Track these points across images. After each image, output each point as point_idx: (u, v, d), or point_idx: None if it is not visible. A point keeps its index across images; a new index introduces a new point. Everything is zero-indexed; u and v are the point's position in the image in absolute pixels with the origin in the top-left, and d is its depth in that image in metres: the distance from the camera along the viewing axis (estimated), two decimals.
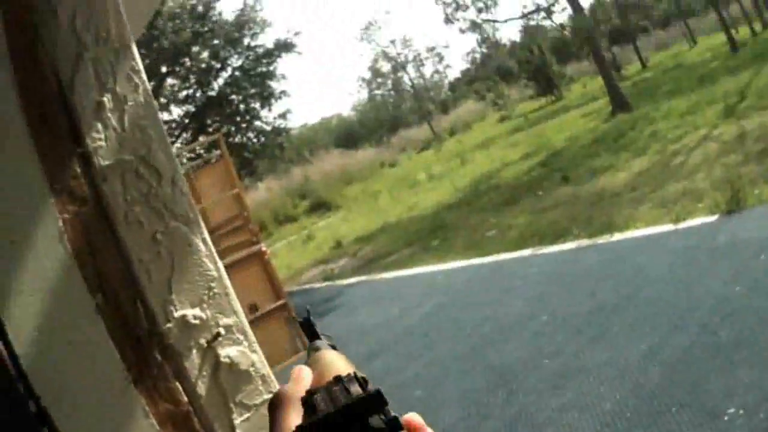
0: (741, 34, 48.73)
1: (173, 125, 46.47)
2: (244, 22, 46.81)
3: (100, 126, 2.18)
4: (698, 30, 69.74)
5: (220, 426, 2.42)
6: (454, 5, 46.53)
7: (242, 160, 45.29)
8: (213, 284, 2.32)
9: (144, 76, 2.28)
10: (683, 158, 18.15)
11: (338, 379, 1.06)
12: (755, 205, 12.33)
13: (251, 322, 9.98)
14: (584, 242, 14.56)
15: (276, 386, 2.46)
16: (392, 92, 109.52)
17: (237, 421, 2.45)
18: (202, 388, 2.29)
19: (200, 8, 44.78)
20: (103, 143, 2.17)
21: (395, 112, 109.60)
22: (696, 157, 17.69)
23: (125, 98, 2.22)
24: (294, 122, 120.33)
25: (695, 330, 8.41)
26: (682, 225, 12.97)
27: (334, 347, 1.43)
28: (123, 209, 2.19)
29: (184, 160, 28.56)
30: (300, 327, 1.54)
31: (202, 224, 2.37)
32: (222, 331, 2.35)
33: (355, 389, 1.02)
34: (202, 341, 2.29)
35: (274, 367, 10.50)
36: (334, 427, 0.94)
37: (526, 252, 15.75)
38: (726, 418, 6.34)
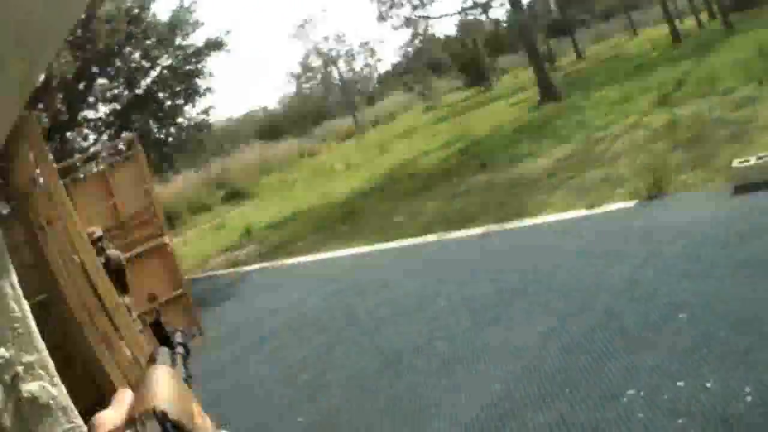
0: (686, 25, 49.11)
1: (99, 123, 46.80)
2: (177, 22, 47.08)
3: None
4: (642, 22, 70.34)
5: None
6: (389, 3, 46.81)
7: (162, 155, 45.71)
8: (17, 325, 2.26)
9: None
10: (608, 146, 18.01)
11: (139, 417, 1.02)
12: (678, 190, 12.13)
13: (149, 312, 10.14)
14: (492, 227, 14.44)
15: (77, 418, 2.45)
16: (321, 86, 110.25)
17: None
18: (6, 421, 2.22)
19: (135, 10, 45.03)
20: None
21: (321, 104, 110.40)
22: (622, 144, 17.57)
23: None
24: (220, 115, 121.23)
25: (599, 314, 8.19)
26: (596, 210, 12.82)
27: (186, 347, 1.42)
28: None
29: (105, 155, 28.60)
30: (151, 328, 1.47)
31: (11, 268, 2.26)
32: (22, 368, 2.26)
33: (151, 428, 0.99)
34: (7, 378, 2.21)
35: None
36: None
37: (431, 237, 15.69)
38: (625, 399, 6.08)
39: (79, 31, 33.26)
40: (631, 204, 12.40)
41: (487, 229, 14.41)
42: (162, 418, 1.00)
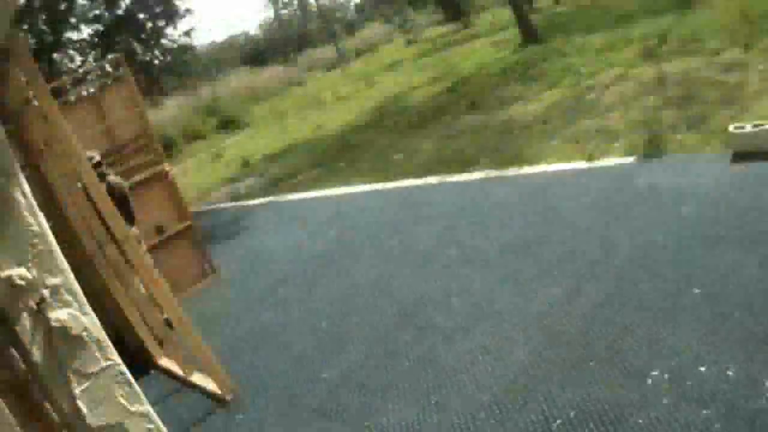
0: None
1: (83, 44, 46.27)
2: None
3: None
4: None
5: (60, 396, 2.26)
6: None
7: (149, 78, 45.26)
8: (36, 240, 2.09)
9: None
10: (597, 95, 17.85)
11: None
12: (675, 152, 12.05)
13: (158, 246, 9.83)
14: (492, 173, 14.36)
15: (113, 354, 2.28)
16: (298, 12, 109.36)
17: (77, 391, 2.31)
18: (37, 355, 2.12)
19: None
20: None
21: (302, 31, 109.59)
22: (611, 95, 17.35)
23: None
24: (202, 40, 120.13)
25: (613, 279, 8.17)
26: (595, 164, 12.73)
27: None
28: None
29: (93, 78, 28.24)
30: None
31: (21, 177, 2.19)
32: (48, 292, 2.02)
33: None
34: (32, 304, 2.10)
35: (183, 294, 10.29)
36: None
37: (432, 179, 15.56)
38: (650, 381, 6.10)
39: None
40: (629, 160, 12.30)
41: (487, 175, 14.33)
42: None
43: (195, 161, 35.59)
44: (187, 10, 48.36)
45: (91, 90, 16.48)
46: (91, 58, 44.91)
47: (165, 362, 10.40)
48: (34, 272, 2.11)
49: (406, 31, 70.48)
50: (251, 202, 21.04)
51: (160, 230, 13.90)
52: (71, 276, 2.20)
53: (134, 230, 11.27)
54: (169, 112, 50.06)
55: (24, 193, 2.15)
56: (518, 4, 35.49)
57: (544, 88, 21.12)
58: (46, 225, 2.22)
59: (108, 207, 8.32)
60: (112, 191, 10.55)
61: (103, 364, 2.30)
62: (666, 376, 6.08)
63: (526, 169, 13.84)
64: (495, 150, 15.97)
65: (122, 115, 14.51)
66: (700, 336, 6.48)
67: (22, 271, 2.08)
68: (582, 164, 12.95)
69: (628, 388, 6.11)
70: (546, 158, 14.10)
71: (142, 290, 9.76)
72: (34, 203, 2.21)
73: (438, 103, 25.24)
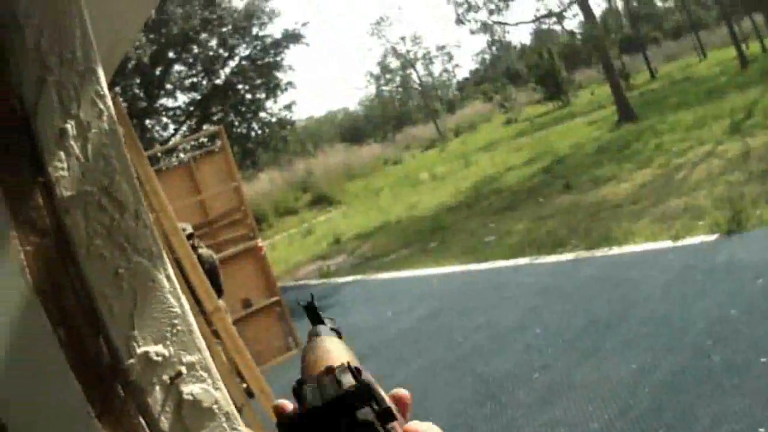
0: (751, 50, 48.77)
1: (178, 112, 46.62)
2: (253, 10, 46.83)
3: (62, 154, 2.12)
4: (709, 43, 69.89)
5: None
6: (465, 5, 46.57)
7: (245, 151, 45.42)
8: (176, 321, 2.26)
9: (109, 101, 2.21)
10: (686, 173, 18.10)
11: (330, 369, 1.04)
12: (756, 226, 12.25)
13: (243, 318, 9.95)
14: (582, 254, 14.48)
15: (240, 425, 2.41)
16: (400, 89, 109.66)
17: None
18: (165, 425, 2.19)
19: None
20: (65, 173, 2.12)
21: (402, 109, 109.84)
22: (699, 173, 17.62)
23: (89, 125, 2.16)
24: (300, 114, 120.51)
25: (688, 352, 8.35)
26: (680, 242, 12.89)
27: (337, 332, 1.43)
28: (85, 242, 2.14)
29: (187, 147, 28.58)
30: (304, 310, 1.52)
31: (167, 260, 2.29)
32: (185, 369, 2.28)
33: (347, 380, 0.99)
34: (165, 378, 2.22)
35: (264, 365, 10.44)
36: (320, 422, 0.92)
37: (522, 260, 15.67)
38: None
39: (153, 13, 32.31)
40: (712, 237, 12.51)
41: (576, 256, 14.51)
42: (355, 371, 1.02)
43: (285, 236, 35.87)
44: (289, 83, 48.49)
45: (185, 160, 16.71)
46: (185, 127, 45.31)
47: (244, 430, 10.63)
48: (172, 350, 2.24)
49: (506, 109, 70.69)
50: (340, 280, 21.22)
51: (247, 303, 14.07)
52: (207, 354, 2.38)
53: (221, 303, 11.44)
54: (262, 185, 50.26)
55: (168, 276, 2.28)
56: (616, 83, 35.73)
57: (636, 167, 21.36)
58: (187, 307, 2.33)
59: (199, 279, 8.40)
60: (202, 263, 10.45)
61: None
62: None
63: (615, 250, 14.01)
64: (585, 231, 16.16)
65: (216, 188, 14.71)
66: (764, 402, 6.69)
67: (160, 348, 2.23)
68: (667, 243, 13.14)
69: None
70: (634, 238, 14.27)
71: (224, 359, 10.00)
72: (177, 286, 2.34)
73: (532, 184, 25.52)
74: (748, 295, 9.37)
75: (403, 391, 1.09)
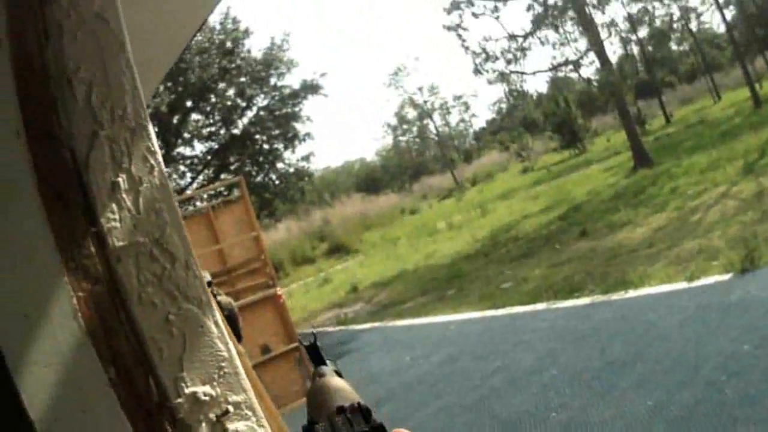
0: (765, 89, 48.84)
1: (195, 161, 46.63)
2: (272, 60, 46.93)
3: (114, 206, 2.25)
4: (724, 85, 69.90)
5: None
6: (483, 56, 46.45)
7: (262, 200, 45.40)
8: (223, 364, 2.37)
9: (159, 157, 2.33)
10: (701, 215, 18.23)
11: (341, 409, 1.06)
12: None
13: (262, 363, 10.04)
14: (598, 298, 14.55)
15: None
16: (417, 139, 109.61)
17: None
18: None
19: (228, 44, 44.96)
20: (117, 224, 2.24)
21: (419, 159, 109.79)
22: (714, 214, 17.77)
23: (140, 179, 2.28)
24: (317, 164, 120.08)
25: (702, 387, 8.46)
26: (695, 283, 12.98)
27: (338, 374, 1.49)
28: (136, 290, 2.24)
29: (205, 196, 28.63)
30: (305, 350, 1.61)
31: (215, 307, 2.41)
32: (231, 408, 2.41)
33: (359, 421, 1.01)
34: (212, 416, 2.35)
35: (282, 409, 10.44)
36: None
37: (540, 306, 15.75)
38: None
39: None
40: (726, 277, 12.59)
41: (593, 300, 14.58)
42: (365, 411, 1.04)
43: (302, 285, 35.85)
44: (307, 134, 48.49)
45: (203, 209, 16.72)
46: (202, 176, 45.35)
47: None
48: (218, 390, 2.26)
49: (523, 158, 70.68)
50: (357, 327, 21.29)
51: (265, 349, 14.16)
52: (252, 394, 2.47)
53: (240, 348, 11.51)
54: (279, 234, 50.20)
55: (216, 322, 2.31)
56: (632, 128, 35.89)
57: (652, 211, 21.50)
58: (234, 351, 2.46)
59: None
60: (222, 310, 10.53)
61: None
62: None
63: (630, 293, 14.07)
64: (601, 276, 16.24)
65: (235, 237, 14.82)
66: None
67: (207, 388, 2.35)
68: (683, 284, 13.26)
69: None
70: (649, 281, 14.35)
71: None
72: (225, 332, 2.46)
73: (549, 231, 25.64)
74: (762, 330, 9.49)
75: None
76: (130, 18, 2.47)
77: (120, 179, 2.27)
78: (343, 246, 45.50)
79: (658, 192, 24.44)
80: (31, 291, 2.12)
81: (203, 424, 2.29)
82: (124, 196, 2.28)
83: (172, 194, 2.39)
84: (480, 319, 16.67)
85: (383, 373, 14.66)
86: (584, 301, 14.84)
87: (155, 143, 2.41)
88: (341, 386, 1.34)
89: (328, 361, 1.55)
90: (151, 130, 2.40)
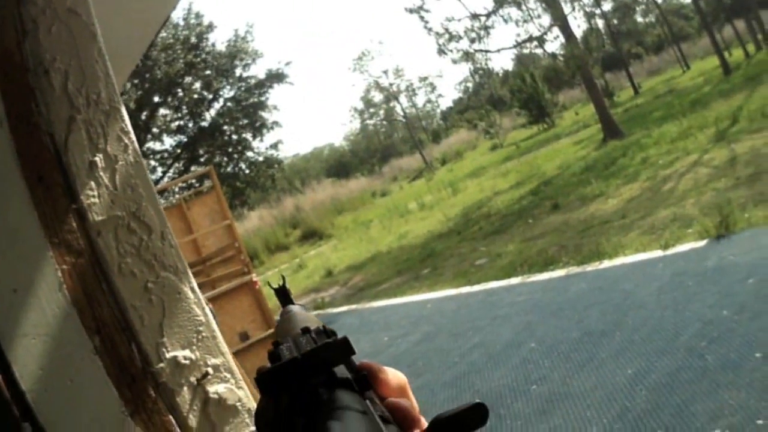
0: (735, 56, 49.16)
1: (165, 155, 46.72)
2: (236, 52, 47.04)
3: (93, 184, 2.34)
4: (692, 54, 70.35)
5: None
6: (446, 36, 46.39)
7: (234, 190, 45.47)
8: (201, 328, 2.47)
9: (133, 137, 2.45)
10: (673, 184, 18.26)
11: (306, 330, 1.04)
12: (745, 229, 12.41)
13: (242, 351, 10.00)
14: (573, 270, 14.58)
15: None
16: (384, 122, 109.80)
17: None
18: (193, 421, 2.42)
19: (193, 39, 44.99)
20: (96, 200, 2.32)
21: (387, 141, 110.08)
22: (686, 182, 17.81)
23: (116, 158, 2.39)
24: (286, 152, 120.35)
25: (682, 354, 8.48)
26: (670, 251, 13.03)
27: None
28: (117, 261, 2.37)
29: (176, 190, 28.58)
30: (275, 293, 1.54)
31: (190, 274, 2.54)
32: (210, 370, 2.45)
33: (322, 339, 0.98)
34: (192, 379, 2.41)
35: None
36: (297, 374, 0.88)
37: (514, 280, 15.78)
38: None
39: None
40: (701, 244, 12.66)
41: (568, 272, 14.61)
42: (330, 332, 1.02)
43: (277, 272, 35.78)
44: (275, 123, 48.62)
45: (175, 201, 16.74)
46: (172, 170, 45.44)
47: None
48: (198, 354, 2.44)
49: (492, 135, 70.88)
50: (334, 310, 21.28)
51: (244, 337, 14.13)
52: (230, 357, 2.52)
53: None
54: (252, 223, 50.40)
55: (192, 288, 2.50)
56: (599, 101, 35.96)
57: (623, 182, 21.59)
58: (210, 316, 2.54)
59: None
60: None
61: (252, 428, 2.53)
62: None
63: (605, 264, 14.12)
64: (576, 248, 16.28)
65: (209, 227, 14.81)
66: (759, 394, 6.82)
67: (187, 352, 2.41)
68: (658, 253, 13.29)
69: None
70: (624, 251, 14.42)
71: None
72: (201, 297, 2.55)
73: (521, 207, 25.66)
74: (739, 296, 9.52)
75: (369, 362, 1.01)
76: (99, 14, 2.55)
77: (97, 158, 2.34)
78: (316, 231, 45.53)
79: (629, 163, 24.48)
80: (19, 267, 2.21)
81: (185, 388, 2.42)
82: (101, 174, 2.34)
83: (146, 170, 2.44)
84: (456, 296, 16.64)
85: (362, 354, 13.99)
86: (559, 273, 14.85)
87: (129, 124, 2.50)
88: (309, 316, 1.30)
89: (298, 305, 1.46)
90: (124, 112, 2.49)
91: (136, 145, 2.46)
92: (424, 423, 0.91)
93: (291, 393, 0.88)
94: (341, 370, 0.92)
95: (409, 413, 0.91)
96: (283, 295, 1.51)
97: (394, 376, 1.00)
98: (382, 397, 0.95)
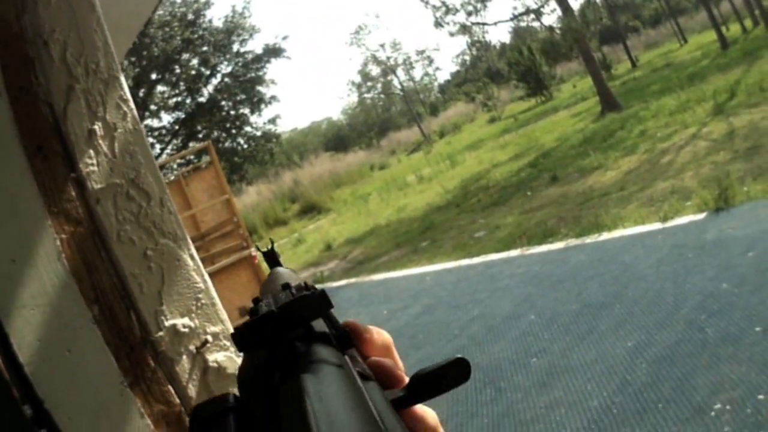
0: (732, 31, 49.16)
1: (163, 132, 46.80)
2: (233, 28, 47.07)
3: (92, 152, 2.33)
4: (689, 28, 70.33)
5: None
6: (443, 9, 46.36)
7: (232, 165, 45.51)
8: (200, 295, 2.46)
9: (132, 104, 2.45)
10: (672, 157, 18.27)
11: (286, 286, 1.00)
12: (744, 202, 12.40)
13: (239, 325, 10.10)
14: (572, 242, 14.57)
15: None
16: (382, 95, 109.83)
17: None
18: (192, 391, 2.41)
19: (190, 15, 44.97)
20: (95, 168, 2.32)
21: (385, 115, 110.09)
22: (685, 155, 17.81)
23: (115, 126, 2.38)
24: (284, 126, 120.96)
25: (682, 327, 8.47)
26: (669, 223, 13.00)
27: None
28: (115, 228, 2.36)
29: (175, 166, 28.53)
30: (263, 256, 1.56)
31: (189, 241, 2.55)
32: (210, 338, 2.44)
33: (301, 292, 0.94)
34: (192, 348, 2.40)
35: None
36: (274, 328, 0.84)
37: (514, 252, 15.76)
38: (712, 413, 6.40)
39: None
40: (700, 216, 12.65)
41: (567, 244, 14.61)
42: (312, 288, 0.98)
43: (276, 246, 35.83)
44: (272, 97, 48.64)
45: (174, 177, 16.56)
46: (171, 147, 45.44)
47: None
48: (197, 321, 2.43)
49: (489, 108, 70.90)
50: (334, 284, 21.15)
51: (243, 312, 14.10)
52: (229, 324, 2.51)
53: None
54: (251, 198, 50.30)
55: (191, 255, 2.50)
56: (597, 74, 35.93)
57: (622, 154, 21.57)
58: (210, 283, 2.50)
59: None
60: None
61: None
62: (728, 407, 6.39)
63: (604, 236, 14.11)
64: (574, 220, 16.29)
65: (207, 202, 14.82)
66: (759, 368, 6.81)
67: (186, 320, 2.39)
68: (657, 225, 13.29)
69: (693, 422, 6.41)
70: (623, 223, 14.42)
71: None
72: (201, 264, 2.55)
73: (519, 179, 25.68)
74: (739, 269, 9.51)
75: (353, 321, 0.97)
76: None
77: (96, 127, 2.33)
78: (314, 205, 45.46)
79: (627, 135, 24.48)
80: (17, 236, 2.19)
81: (184, 356, 2.41)
82: (100, 142, 2.32)
83: (146, 137, 2.43)
84: (455, 269, 16.62)
85: None
86: (558, 245, 14.85)
87: (127, 92, 2.48)
88: (292, 275, 1.29)
89: (288, 268, 1.46)
90: (123, 80, 2.47)
91: (135, 112, 2.46)
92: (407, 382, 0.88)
93: (268, 347, 0.85)
94: (322, 327, 0.89)
95: (391, 372, 0.89)
96: (272, 258, 1.54)
97: (378, 335, 0.98)
98: (365, 356, 0.93)
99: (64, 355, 2.17)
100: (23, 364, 2.08)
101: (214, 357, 2.49)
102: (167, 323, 2.40)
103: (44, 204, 2.23)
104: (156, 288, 2.41)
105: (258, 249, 1.65)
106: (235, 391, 0.85)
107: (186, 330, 2.44)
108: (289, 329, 0.84)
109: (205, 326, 2.49)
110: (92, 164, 2.30)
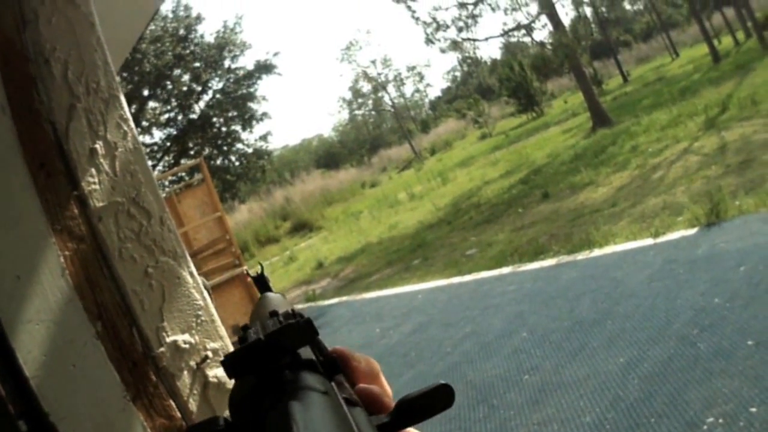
0: (724, 44, 49.35)
1: (155, 148, 46.79)
2: (225, 44, 47.15)
3: (93, 171, 2.40)
4: (681, 42, 70.61)
5: None
6: (434, 25, 46.37)
7: (224, 183, 45.54)
8: (200, 312, 2.50)
9: (132, 124, 2.51)
10: (663, 172, 18.33)
11: (274, 313, 1.07)
12: (735, 216, 12.44)
13: (234, 343, 10.13)
14: (564, 259, 14.59)
15: None
16: (373, 112, 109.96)
17: None
18: (193, 405, 2.44)
19: (181, 31, 45.04)
20: (97, 186, 2.38)
21: (376, 132, 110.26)
22: (676, 170, 17.87)
23: (116, 145, 2.45)
24: (275, 143, 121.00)
25: (674, 342, 8.52)
26: (661, 239, 13.05)
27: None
28: (117, 246, 2.42)
29: (167, 183, 28.56)
30: (253, 281, 1.59)
31: (189, 259, 2.57)
32: (210, 354, 2.48)
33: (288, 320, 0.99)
34: (192, 363, 2.44)
35: None
36: (262, 356, 0.90)
37: (505, 270, 15.77)
38: (705, 427, 6.45)
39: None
40: (692, 231, 12.69)
41: (559, 261, 14.62)
42: (299, 315, 1.00)
43: (268, 264, 35.75)
44: (264, 114, 48.71)
45: (166, 194, 16.44)
46: (162, 163, 45.48)
47: None
48: (197, 338, 2.46)
49: (480, 125, 71.03)
50: (326, 302, 21.22)
51: (236, 329, 14.13)
52: (228, 341, 2.59)
53: None
54: (242, 216, 50.41)
55: (191, 273, 2.52)
56: (588, 89, 36.05)
57: (613, 170, 21.64)
58: (209, 300, 2.52)
59: None
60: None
61: None
62: (720, 420, 6.45)
63: (596, 252, 14.13)
64: (566, 236, 16.34)
65: (199, 220, 14.82)
66: (752, 382, 6.86)
67: (187, 336, 2.42)
68: (648, 241, 13.33)
69: None
70: (614, 239, 14.45)
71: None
72: (200, 282, 2.57)
73: (511, 196, 25.69)
74: (731, 283, 9.56)
75: (341, 348, 1.06)
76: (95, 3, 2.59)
77: (97, 146, 2.39)
78: (306, 223, 45.52)
79: (619, 151, 24.54)
80: (22, 253, 2.23)
81: (185, 372, 2.44)
82: (101, 160, 2.39)
83: (145, 157, 2.48)
84: (447, 287, 16.62)
85: (354, 347, 14.10)
86: (550, 262, 14.86)
87: (127, 111, 2.55)
88: (281, 301, 1.35)
89: (277, 293, 1.49)
90: (123, 99, 2.53)
91: (135, 131, 2.52)
92: None
93: (257, 375, 0.90)
94: (309, 354, 0.96)
95: (378, 398, 0.95)
96: (261, 283, 1.57)
97: (366, 363, 1.04)
98: (353, 384, 0.99)
99: (69, 370, 2.22)
100: (28, 377, 2.14)
101: (214, 372, 2.51)
102: (168, 339, 2.43)
103: (48, 221, 2.28)
104: (157, 305, 2.45)
105: (248, 274, 1.69)
106: None
107: (186, 346, 2.46)
108: (276, 357, 0.89)
109: (205, 342, 2.51)
110: (94, 182, 2.35)
